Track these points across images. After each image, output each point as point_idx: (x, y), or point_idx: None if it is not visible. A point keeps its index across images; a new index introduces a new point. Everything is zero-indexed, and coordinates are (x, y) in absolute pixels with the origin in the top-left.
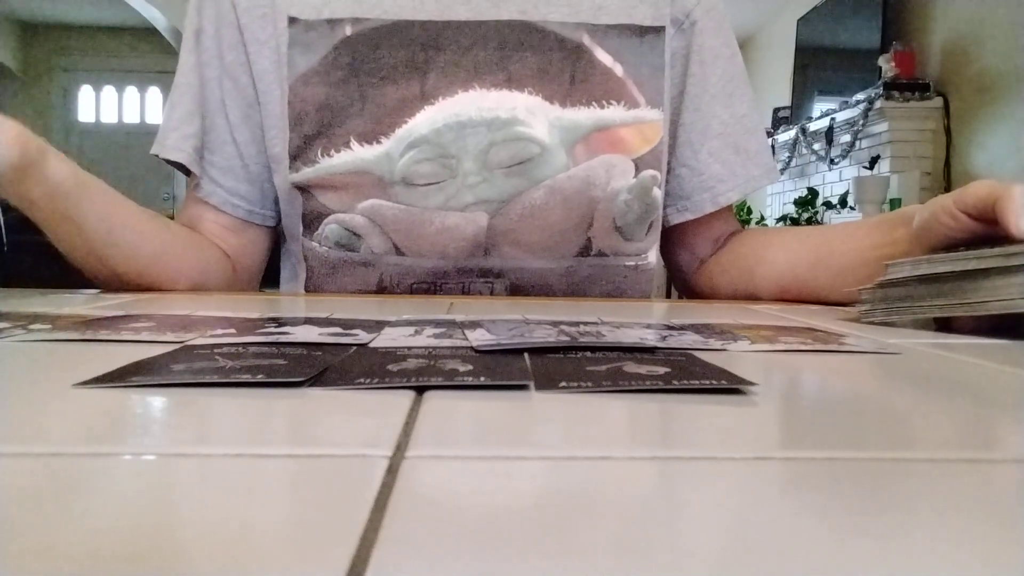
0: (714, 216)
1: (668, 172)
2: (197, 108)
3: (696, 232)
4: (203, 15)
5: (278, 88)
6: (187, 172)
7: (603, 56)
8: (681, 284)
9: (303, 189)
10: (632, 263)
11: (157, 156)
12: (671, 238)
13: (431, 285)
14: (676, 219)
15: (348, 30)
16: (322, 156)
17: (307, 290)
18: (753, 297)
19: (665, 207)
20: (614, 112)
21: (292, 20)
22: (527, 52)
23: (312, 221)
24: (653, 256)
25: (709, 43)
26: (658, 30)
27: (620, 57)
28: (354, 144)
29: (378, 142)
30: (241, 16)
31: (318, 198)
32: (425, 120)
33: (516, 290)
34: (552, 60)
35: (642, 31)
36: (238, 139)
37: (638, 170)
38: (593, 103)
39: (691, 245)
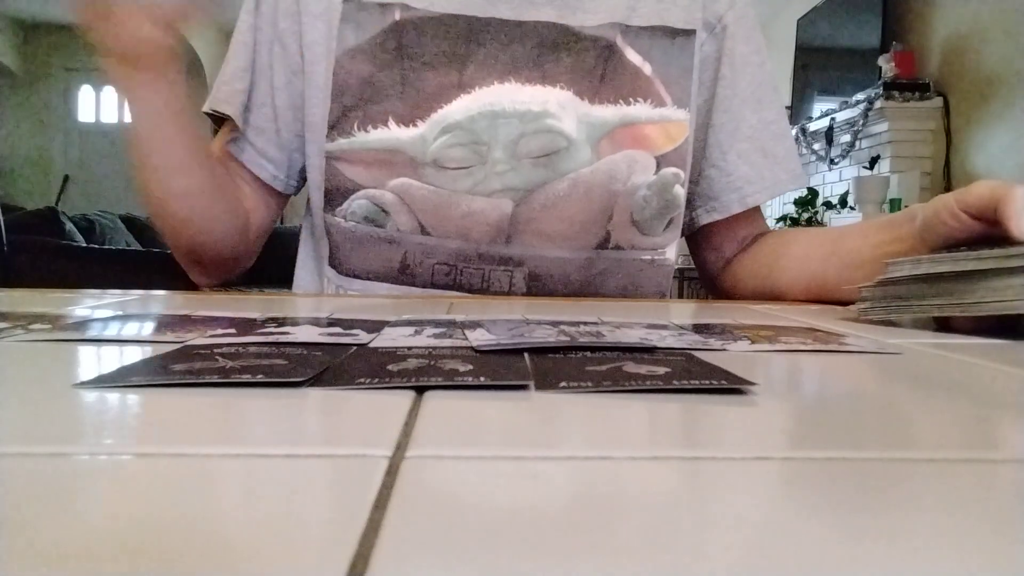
0: (742, 217)
1: (698, 174)
2: (248, 66)
3: (723, 232)
4: None
5: (324, 60)
6: (218, 126)
7: (633, 56)
8: (708, 283)
9: (332, 163)
10: (648, 257)
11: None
12: (699, 240)
13: (452, 268)
14: (705, 219)
15: (398, 15)
16: (358, 130)
17: (331, 265)
18: (774, 295)
19: (695, 208)
20: (640, 109)
21: None
22: (562, 53)
23: (336, 196)
24: (671, 252)
25: (740, 49)
26: (689, 33)
27: (649, 57)
28: (391, 123)
29: (414, 125)
30: None
31: (346, 173)
32: (461, 107)
33: (534, 279)
34: (585, 59)
35: (673, 33)
36: (277, 103)
37: (660, 167)
38: (620, 100)
39: (718, 245)
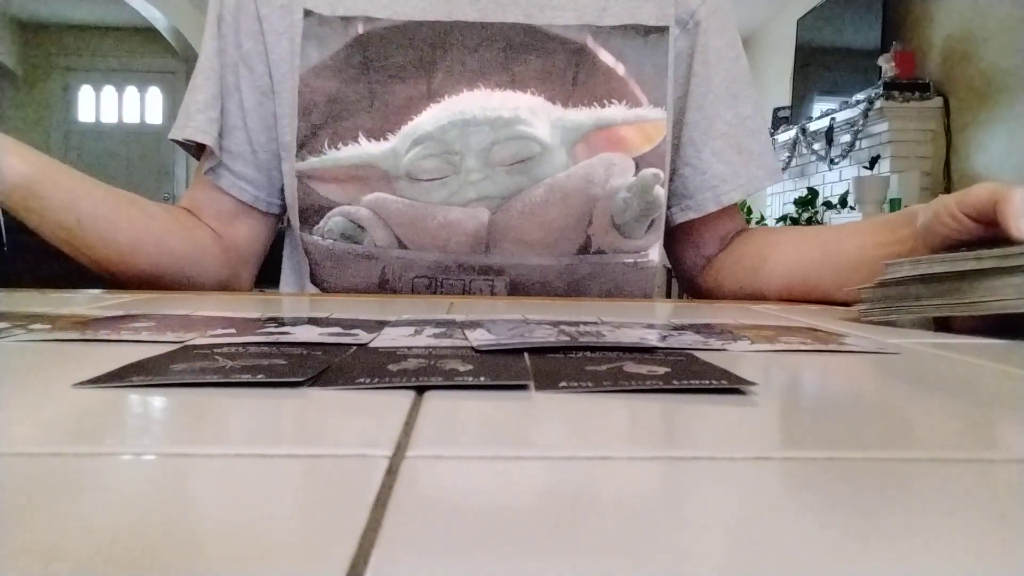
0: (720, 215)
1: (672, 172)
2: (219, 93)
3: (702, 231)
4: (224, 3)
5: (290, 78)
6: (197, 156)
7: (606, 57)
8: (687, 283)
9: (304, 182)
10: (631, 260)
11: (177, 141)
12: (677, 237)
13: (432, 280)
14: (680, 218)
15: (360, 28)
16: (329, 148)
17: (312, 283)
18: (758, 296)
19: (669, 207)
20: (615, 111)
21: (307, 12)
22: (531, 55)
23: (311, 215)
24: (654, 254)
25: (714, 44)
26: (662, 30)
27: (623, 57)
28: (362, 139)
29: (385, 138)
30: (261, 7)
31: (319, 191)
32: (431, 117)
33: (516, 287)
34: (555, 62)
35: (646, 31)
36: (250, 125)
37: (639, 168)
38: (595, 103)
39: (697, 244)
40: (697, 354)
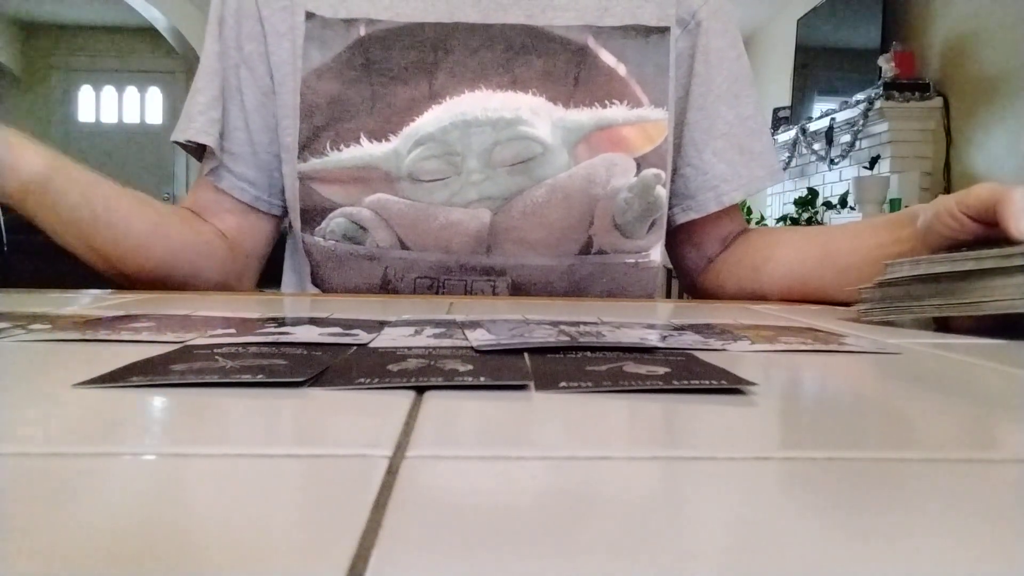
0: (721, 215)
1: (674, 172)
2: (220, 94)
3: (703, 231)
4: (226, 5)
5: (292, 80)
6: (198, 158)
7: (607, 57)
8: (688, 284)
9: (306, 183)
10: (632, 261)
11: (179, 143)
12: (678, 237)
13: (434, 281)
14: (681, 218)
15: (362, 31)
16: (331, 149)
17: (313, 284)
18: (759, 296)
19: (671, 207)
20: (616, 111)
21: (309, 15)
22: (532, 56)
23: (313, 216)
24: (656, 255)
25: (715, 44)
26: (663, 30)
27: (624, 57)
28: (363, 140)
29: (387, 139)
30: (262, 8)
31: (321, 192)
32: (432, 119)
33: (518, 288)
34: (557, 63)
35: (647, 31)
36: (251, 126)
37: (640, 169)
38: (596, 103)
39: (698, 244)
40: (697, 354)
